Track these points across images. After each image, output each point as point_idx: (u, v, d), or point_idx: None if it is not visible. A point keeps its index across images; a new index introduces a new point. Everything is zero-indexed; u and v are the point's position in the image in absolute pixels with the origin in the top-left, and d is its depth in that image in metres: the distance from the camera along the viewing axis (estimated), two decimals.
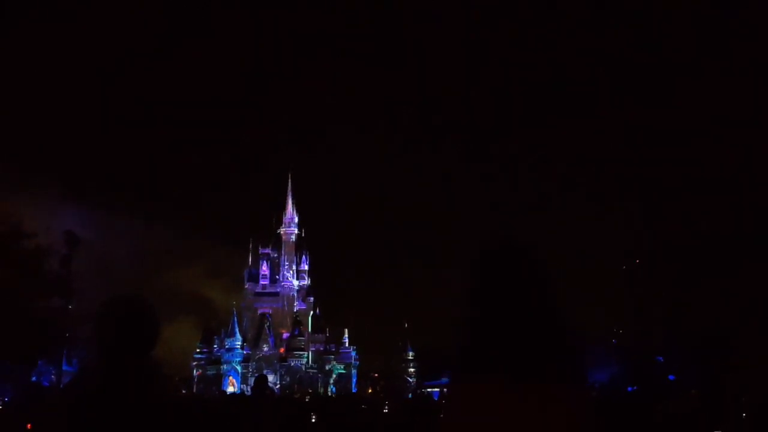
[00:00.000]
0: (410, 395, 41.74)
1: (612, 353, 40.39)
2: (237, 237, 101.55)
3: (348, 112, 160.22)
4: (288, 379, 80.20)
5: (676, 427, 11.38)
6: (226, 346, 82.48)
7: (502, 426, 2.01)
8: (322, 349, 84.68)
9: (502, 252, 2.24)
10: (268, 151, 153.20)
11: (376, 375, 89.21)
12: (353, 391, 79.53)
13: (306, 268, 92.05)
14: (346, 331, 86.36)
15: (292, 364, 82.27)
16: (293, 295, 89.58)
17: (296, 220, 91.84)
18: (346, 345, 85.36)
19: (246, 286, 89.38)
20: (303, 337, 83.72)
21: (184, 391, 68.78)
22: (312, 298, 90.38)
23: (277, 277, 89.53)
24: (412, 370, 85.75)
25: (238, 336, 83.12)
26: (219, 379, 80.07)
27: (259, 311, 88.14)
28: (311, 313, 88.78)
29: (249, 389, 53.05)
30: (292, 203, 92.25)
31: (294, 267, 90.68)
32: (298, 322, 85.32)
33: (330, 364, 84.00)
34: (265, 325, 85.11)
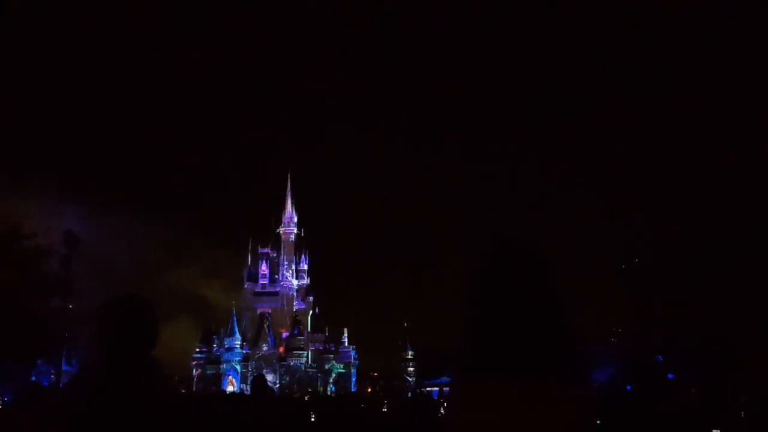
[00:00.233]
0: (410, 395, 41.77)
1: (612, 353, 40.36)
2: (237, 237, 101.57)
3: (348, 112, 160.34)
4: (287, 378, 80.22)
5: (676, 427, 11.38)
6: (226, 346, 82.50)
7: (502, 426, 2.01)
8: (321, 348, 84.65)
9: (503, 252, 2.23)
10: (268, 151, 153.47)
11: (376, 374, 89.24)
12: (353, 390, 79.59)
13: (305, 267, 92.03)
14: (346, 330, 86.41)
15: (292, 363, 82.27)
16: (293, 294, 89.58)
17: (296, 219, 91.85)
18: (346, 344, 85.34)
19: (245, 286, 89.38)
20: (302, 336, 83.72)
21: (183, 391, 68.82)
22: (311, 298, 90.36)
23: (276, 276, 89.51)
24: (411, 369, 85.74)
25: (238, 335, 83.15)
26: (218, 379, 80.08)
27: (259, 311, 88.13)
28: (311, 312, 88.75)
29: (248, 389, 53.02)
30: (292, 203, 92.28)
31: (293, 266, 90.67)
32: (297, 321, 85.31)
33: (329, 363, 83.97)
34: (265, 325, 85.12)
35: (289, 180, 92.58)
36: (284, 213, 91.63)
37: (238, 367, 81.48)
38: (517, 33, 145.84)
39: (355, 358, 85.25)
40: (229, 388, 73.75)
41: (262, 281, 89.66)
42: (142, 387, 2.69)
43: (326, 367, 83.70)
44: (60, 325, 24.87)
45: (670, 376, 37.09)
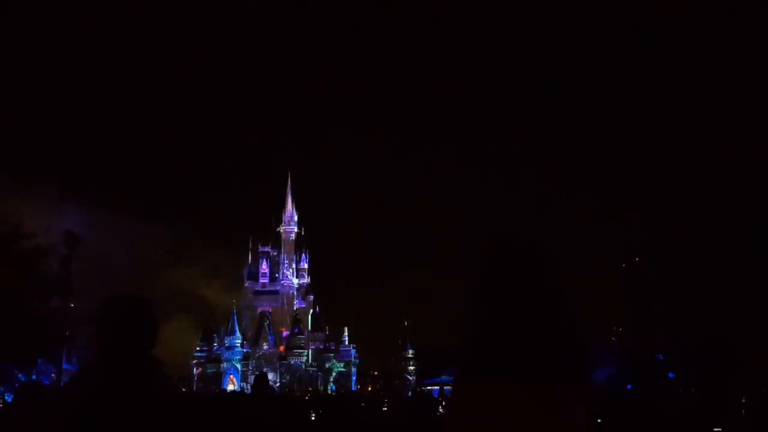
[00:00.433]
0: (410, 394, 41.76)
1: (612, 353, 40.36)
2: (237, 236, 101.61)
3: (348, 112, 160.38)
4: (288, 377, 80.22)
5: (676, 426, 11.38)
6: (226, 345, 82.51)
7: (503, 425, 2.01)
8: (321, 347, 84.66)
9: (503, 252, 2.23)
10: (268, 151, 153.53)
11: (376, 373, 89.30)
12: (353, 389, 79.60)
13: (306, 266, 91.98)
14: (346, 329, 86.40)
15: (292, 362, 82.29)
16: (293, 293, 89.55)
17: (296, 218, 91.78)
18: (346, 343, 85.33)
19: (246, 285, 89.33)
20: (303, 335, 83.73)
21: (183, 390, 68.86)
22: (312, 297, 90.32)
23: (276, 275, 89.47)
24: (411, 368, 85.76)
25: (238, 334, 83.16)
26: (219, 378, 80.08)
27: (259, 309, 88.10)
28: (311, 311, 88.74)
29: (249, 387, 53.06)
30: (292, 201, 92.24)
31: (294, 265, 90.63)
32: (297, 320, 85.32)
33: (330, 362, 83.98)
34: (265, 324, 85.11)
35: (289, 179, 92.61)
36: (284, 212, 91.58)
37: (238, 366, 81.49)
38: (517, 33, 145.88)
39: (355, 357, 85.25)
40: (230, 387, 73.74)
41: (262, 280, 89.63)
42: (142, 387, 2.69)
43: (326, 366, 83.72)
44: (60, 324, 24.85)
45: (670, 375, 37.09)
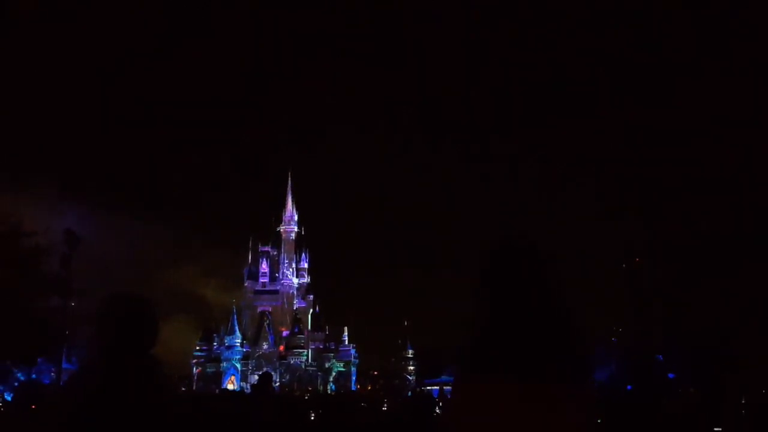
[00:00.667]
0: (410, 393, 41.75)
1: (612, 353, 40.39)
2: (237, 236, 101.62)
3: (348, 112, 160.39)
4: (288, 376, 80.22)
5: (676, 426, 11.38)
6: (226, 344, 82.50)
7: (503, 425, 2.01)
8: (321, 347, 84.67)
9: (503, 252, 2.23)
10: (268, 151, 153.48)
11: (376, 373, 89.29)
12: (353, 389, 79.60)
13: (306, 266, 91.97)
14: (346, 329, 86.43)
15: (292, 362, 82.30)
16: (293, 293, 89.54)
17: (296, 218, 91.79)
18: (346, 343, 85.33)
19: (246, 284, 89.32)
20: (302, 335, 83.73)
21: (183, 389, 68.86)
22: (312, 296, 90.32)
23: (276, 275, 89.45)
24: (411, 368, 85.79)
25: (238, 334, 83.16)
26: (219, 377, 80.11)
27: (259, 309, 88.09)
28: (311, 311, 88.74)
29: (249, 387, 53.03)
30: (292, 201, 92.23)
31: (294, 265, 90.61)
32: (297, 320, 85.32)
33: (330, 362, 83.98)
34: (265, 323, 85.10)
35: (289, 179, 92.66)
36: (284, 211, 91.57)
37: (238, 366, 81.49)
38: (517, 33, 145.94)
39: (355, 357, 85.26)
40: (229, 387, 73.76)
41: (262, 279, 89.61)
42: (142, 386, 2.69)
43: (326, 365, 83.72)
44: (60, 324, 24.85)
45: (670, 375, 37.10)
